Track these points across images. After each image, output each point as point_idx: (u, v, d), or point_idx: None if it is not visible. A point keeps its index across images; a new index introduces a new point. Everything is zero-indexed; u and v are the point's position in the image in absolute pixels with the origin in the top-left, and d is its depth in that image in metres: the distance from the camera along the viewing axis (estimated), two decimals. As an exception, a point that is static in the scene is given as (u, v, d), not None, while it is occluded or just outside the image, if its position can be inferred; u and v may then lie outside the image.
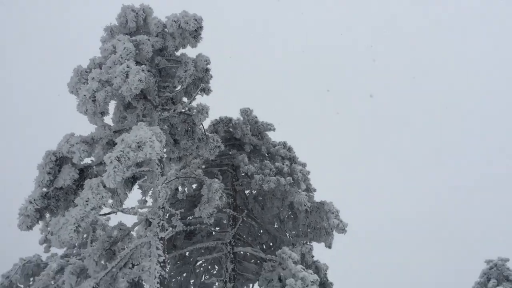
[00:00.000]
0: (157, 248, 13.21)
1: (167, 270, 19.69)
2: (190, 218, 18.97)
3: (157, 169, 13.85)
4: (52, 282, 20.16)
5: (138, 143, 11.59)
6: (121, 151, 11.44)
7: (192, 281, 20.57)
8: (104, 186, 11.83)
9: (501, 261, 31.34)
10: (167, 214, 17.44)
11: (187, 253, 20.06)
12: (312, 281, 15.17)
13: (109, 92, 12.63)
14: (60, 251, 21.82)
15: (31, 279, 21.24)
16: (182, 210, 16.68)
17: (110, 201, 14.10)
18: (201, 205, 15.69)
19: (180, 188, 18.84)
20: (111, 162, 11.27)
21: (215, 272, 20.75)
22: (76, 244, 22.19)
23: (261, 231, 20.21)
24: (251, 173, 17.86)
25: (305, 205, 17.52)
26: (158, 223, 13.55)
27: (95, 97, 12.53)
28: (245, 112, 19.29)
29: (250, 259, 19.76)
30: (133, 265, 15.89)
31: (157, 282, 12.81)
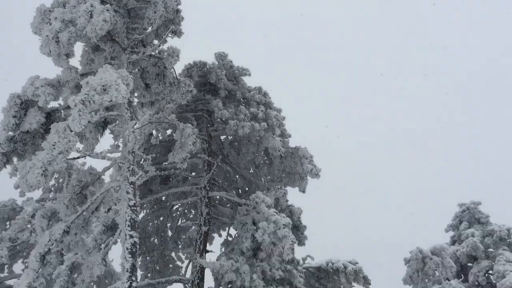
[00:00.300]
0: (128, 192, 13.21)
1: (140, 214, 19.93)
2: (166, 163, 18.96)
3: (126, 113, 13.63)
4: (29, 226, 20.35)
5: (103, 86, 11.32)
6: (85, 94, 11.18)
7: (169, 224, 20.86)
8: (72, 130, 11.63)
9: (473, 205, 32.34)
10: (142, 159, 17.44)
11: (163, 198, 20.19)
12: (284, 224, 15.41)
13: (73, 33, 12.17)
14: (36, 195, 21.86)
15: (7, 223, 21.36)
16: (154, 155, 16.64)
17: (81, 145, 13.97)
18: (174, 150, 15.64)
19: (154, 133, 18.70)
20: (75, 105, 11.04)
21: (191, 216, 21.03)
22: (52, 189, 22.21)
23: (237, 176, 20.34)
24: (225, 118, 17.74)
25: (279, 151, 17.58)
26: (128, 168, 13.48)
27: (58, 38, 12.07)
28: (220, 57, 18.88)
29: (226, 203, 20.01)
30: (109, 209, 16.03)
31: (128, 226, 12.90)
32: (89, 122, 12.11)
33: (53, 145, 11.30)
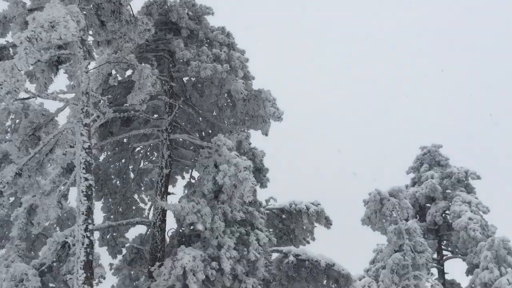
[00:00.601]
0: (82, 135, 12.84)
1: (101, 156, 19.66)
2: (126, 105, 18.46)
3: (79, 52, 13.00)
4: (-15, 168, 19.80)
5: (51, 22, 10.67)
6: (32, 31, 10.54)
7: (131, 167, 20.65)
8: (20, 69, 11.06)
9: (434, 147, 33.20)
10: (101, 100, 16.91)
11: (124, 140, 19.84)
12: (245, 167, 15.40)
13: (16, -37, 11.34)
14: (-9, 137, 21.13)
15: (-37, 165, 20.72)
16: (113, 96, 16.14)
17: (32, 85, 13.38)
18: (133, 92, 15.23)
19: (113, 73, 18.07)
20: (21, 43, 10.41)
21: (153, 158, 20.83)
22: (9, 130, 21.49)
23: (200, 118, 20.08)
24: (187, 59, 17.22)
25: (241, 93, 17.34)
26: (81, 109, 13.04)
27: (0, -32, 11.24)
28: (182, -7, 18.06)
29: (188, 146, 19.83)
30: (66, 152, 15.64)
31: (83, 168, 12.65)
32: (39, 61, 11.55)
33: (0, 84, 10.77)
